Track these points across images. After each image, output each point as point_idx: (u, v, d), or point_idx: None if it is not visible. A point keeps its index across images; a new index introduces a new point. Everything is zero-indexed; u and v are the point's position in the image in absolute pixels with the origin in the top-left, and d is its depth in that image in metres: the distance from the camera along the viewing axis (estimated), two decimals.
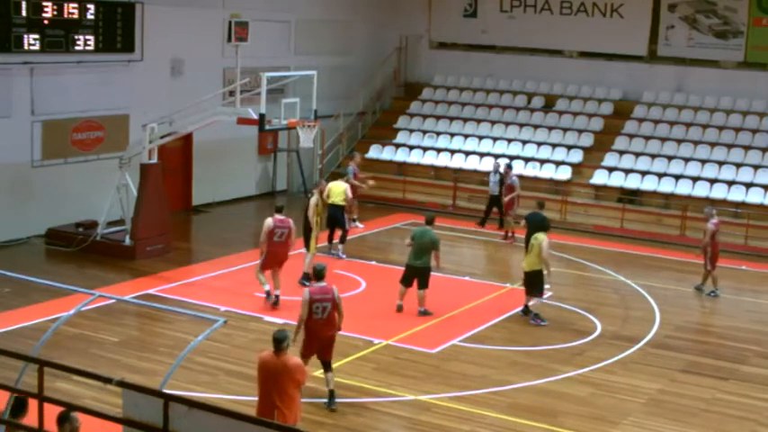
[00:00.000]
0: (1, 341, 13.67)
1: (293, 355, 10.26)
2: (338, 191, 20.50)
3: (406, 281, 16.94)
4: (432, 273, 17.02)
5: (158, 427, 8.25)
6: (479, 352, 15.31)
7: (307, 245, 18.41)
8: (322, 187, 19.43)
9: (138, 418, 8.45)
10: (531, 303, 17.00)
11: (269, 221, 16.84)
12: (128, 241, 19.99)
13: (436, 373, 14.25)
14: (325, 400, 12.62)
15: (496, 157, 27.29)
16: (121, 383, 8.66)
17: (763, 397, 13.98)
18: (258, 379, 10.22)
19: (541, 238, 16.68)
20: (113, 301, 15.34)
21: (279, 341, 10.08)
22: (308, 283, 18.10)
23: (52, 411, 8.46)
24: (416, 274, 16.85)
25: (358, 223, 23.47)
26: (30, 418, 8.93)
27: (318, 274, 12.50)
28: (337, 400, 12.67)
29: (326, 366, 12.62)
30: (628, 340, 16.14)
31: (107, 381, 8.69)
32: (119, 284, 17.97)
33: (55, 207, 21.19)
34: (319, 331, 12.30)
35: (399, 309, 16.92)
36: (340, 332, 12.77)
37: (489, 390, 13.68)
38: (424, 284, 16.90)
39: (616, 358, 15.23)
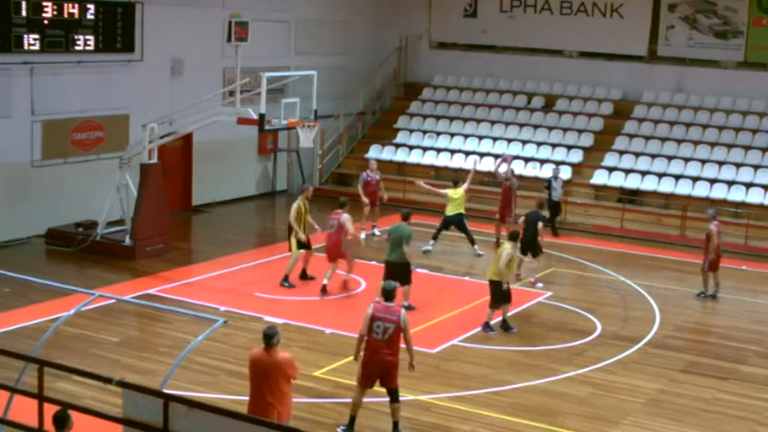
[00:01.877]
0: (1, 341, 13.67)
1: (284, 351, 10.24)
2: (457, 197, 21.10)
3: (384, 276, 16.73)
4: (412, 269, 17.04)
5: (158, 427, 8.26)
6: (479, 352, 15.31)
7: (289, 247, 18.39)
8: (308, 193, 18.81)
9: (138, 418, 8.46)
10: (508, 315, 16.51)
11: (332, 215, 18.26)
12: (128, 241, 19.99)
13: (436, 373, 14.25)
14: None
15: (496, 156, 27.28)
16: (121, 383, 8.67)
17: (763, 397, 13.98)
18: (250, 376, 10.22)
19: (505, 247, 16.31)
20: (113, 301, 15.35)
21: (269, 337, 10.07)
22: (287, 284, 18.08)
23: (53, 411, 8.47)
24: (392, 269, 16.70)
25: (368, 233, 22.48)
26: (32, 419, 8.94)
27: (387, 295, 11.75)
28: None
29: (391, 395, 11.86)
30: (628, 340, 16.14)
31: (107, 381, 8.71)
32: (119, 284, 17.98)
33: (55, 207, 21.19)
34: (378, 353, 11.52)
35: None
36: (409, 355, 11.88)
37: (489, 390, 13.68)
38: (405, 281, 16.70)
39: (616, 358, 15.23)
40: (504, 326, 16.43)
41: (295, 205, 18.17)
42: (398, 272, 16.63)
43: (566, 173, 26.46)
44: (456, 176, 22.10)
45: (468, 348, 15.44)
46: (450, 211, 21.23)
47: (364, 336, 11.59)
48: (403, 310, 11.80)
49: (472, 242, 21.36)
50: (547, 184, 23.81)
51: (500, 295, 16.28)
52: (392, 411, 11.95)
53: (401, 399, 12.86)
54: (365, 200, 22.27)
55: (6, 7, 19.62)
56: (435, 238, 21.50)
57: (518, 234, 17.17)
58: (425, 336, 15.92)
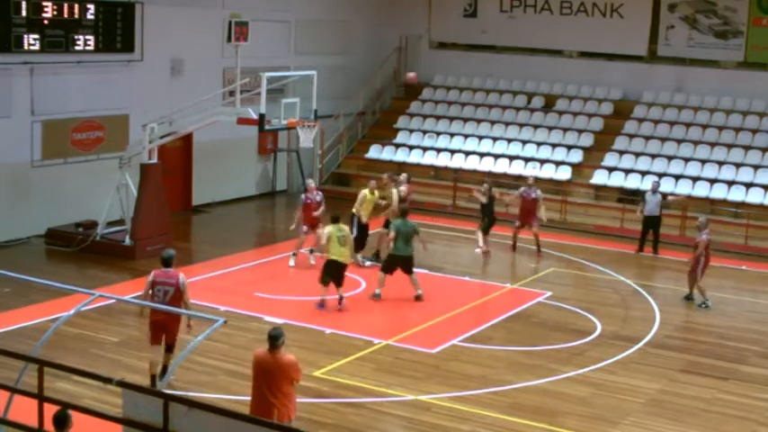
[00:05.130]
0: (1, 341, 13.67)
1: (288, 353, 10.26)
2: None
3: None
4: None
5: (158, 427, 8.27)
6: (479, 352, 15.31)
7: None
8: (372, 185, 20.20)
9: (138, 418, 8.47)
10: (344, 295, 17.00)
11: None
12: (128, 241, 19.99)
13: (436, 373, 14.25)
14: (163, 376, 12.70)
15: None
16: (121, 383, 8.68)
17: (763, 397, 13.98)
18: (253, 376, 10.23)
19: (346, 229, 17.10)
20: (113, 301, 15.35)
21: (274, 338, 10.09)
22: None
23: (53, 411, 8.47)
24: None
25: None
26: (32, 419, 8.95)
27: (165, 262, 12.96)
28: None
29: (168, 348, 13.05)
30: (628, 340, 16.13)
31: (107, 381, 8.72)
32: (119, 284, 17.97)
33: (55, 207, 21.18)
34: (159, 314, 12.65)
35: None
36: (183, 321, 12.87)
37: (489, 390, 13.68)
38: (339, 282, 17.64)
39: (616, 358, 15.23)
40: (341, 299, 16.97)
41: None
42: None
43: (566, 173, 26.47)
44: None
45: (468, 348, 15.44)
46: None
47: (145, 299, 12.89)
48: (182, 275, 12.89)
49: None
50: (642, 196, 22.82)
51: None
52: (165, 358, 13.03)
53: (400, 398, 12.88)
54: (303, 227, 19.74)
55: (6, 7, 19.60)
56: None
57: (339, 217, 17.26)
58: (425, 336, 15.94)
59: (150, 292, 12.86)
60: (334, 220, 17.09)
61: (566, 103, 28.95)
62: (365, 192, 20.14)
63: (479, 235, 21.22)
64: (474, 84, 30.41)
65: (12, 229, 20.62)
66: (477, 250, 21.21)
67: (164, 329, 12.87)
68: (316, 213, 19.73)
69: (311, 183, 20.48)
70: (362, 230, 20.01)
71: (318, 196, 19.95)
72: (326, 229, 17.04)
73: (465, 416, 12.73)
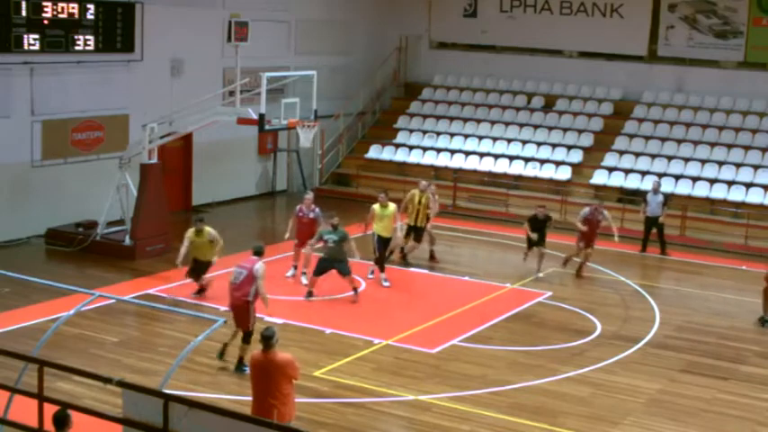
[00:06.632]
0: (1, 341, 13.66)
1: (284, 351, 10.24)
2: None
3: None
4: None
5: (158, 427, 8.26)
6: (479, 352, 15.31)
7: None
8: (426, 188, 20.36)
9: (138, 418, 8.46)
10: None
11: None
12: (128, 241, 19.99)
13: (436, 373, 14.25)
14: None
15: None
16: (121, 383, 8.67)
17: (763, 397, 13.98)
18: (251, 378, 10.24)
19: (207, 231, 17.27)
20: (113, 301, 15.35)
21: (267, 338, 10.08)
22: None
23: (53, 411, 8.47)
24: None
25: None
26: (32, 419, 8.94)
27: (254, 251, 14.07)
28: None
29: (243, 337, 13.82)
30: (628, 340, 16.14)
31: (107, 381, 8.71)
32: (119, 284, 17.97)
33: (55, 207, 21.19)
34: (230, 295, 13.82)
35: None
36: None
37: (489, 390, 13.68)
38: None
39: (616, 358, 15.23)
40: (201, 291, 17.65)
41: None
42: None
43: (566, 173, 26.47)
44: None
45: (468, 348, 15.44)
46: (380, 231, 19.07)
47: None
48: (261, 263, 13.80)
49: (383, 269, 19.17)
50: (643, 197, 22.66)
51: None
52: (240, 349, 13.89)
53: (400, 398, 12.86)
54: (295, 239, 18.82)
55: (6, 7, 19.61)
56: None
57: (203, 218, 18.08)
58: (425, 336, 15.94)
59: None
60: (197, 222, 17.61)
61: (566, 103, 28.95)
62: (374, 207, 19.14)
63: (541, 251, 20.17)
64: (474, 84, 30.41)
65: (12, 229, 20.62)
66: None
67: (233, 311, 13.78)
68: (311, 242, 18.10)
69: (308, 196, 19.04)
70: (383, 244, 19.10)
71: (312, 213, 18.53)
72: (188, 233, 17.31)
73: (465, 416, 12.73)
